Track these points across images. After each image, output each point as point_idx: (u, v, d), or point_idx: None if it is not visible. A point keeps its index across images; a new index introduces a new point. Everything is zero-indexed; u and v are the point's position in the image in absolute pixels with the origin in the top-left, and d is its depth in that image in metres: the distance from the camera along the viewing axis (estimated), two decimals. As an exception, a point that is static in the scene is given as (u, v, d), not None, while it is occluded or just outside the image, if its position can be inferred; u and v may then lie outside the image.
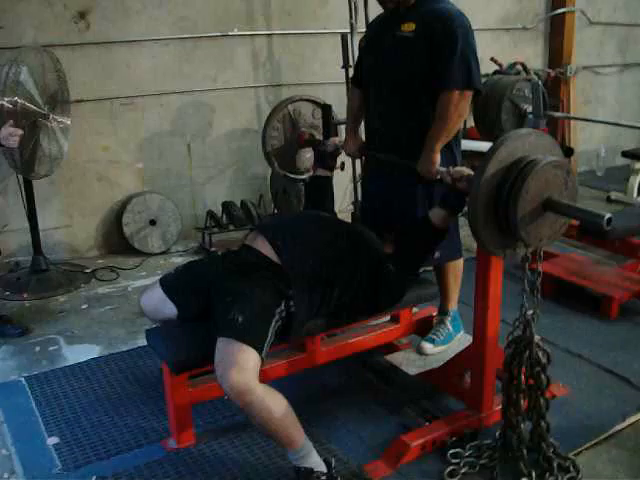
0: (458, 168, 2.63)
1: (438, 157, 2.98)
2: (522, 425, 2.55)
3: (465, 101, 2.98)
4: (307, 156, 4.32)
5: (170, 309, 2.74)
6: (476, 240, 2.41)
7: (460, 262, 3.35)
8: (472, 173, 2.49)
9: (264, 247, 2.69)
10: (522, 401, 2.53)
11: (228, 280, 2.66)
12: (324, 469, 2.44)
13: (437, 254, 3.06)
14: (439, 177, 2.78)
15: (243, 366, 2.32)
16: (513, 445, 2.55)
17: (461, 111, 2.98)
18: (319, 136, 4.19)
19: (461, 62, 2.94)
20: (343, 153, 3.46)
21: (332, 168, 3.43)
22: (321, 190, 3.39)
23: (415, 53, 2.99)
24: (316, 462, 2.44)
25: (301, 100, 4.55)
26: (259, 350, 2.40)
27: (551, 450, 2.56)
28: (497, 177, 2.27)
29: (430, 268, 3.46)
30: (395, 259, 2.79)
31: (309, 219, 2.98)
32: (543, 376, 2.49)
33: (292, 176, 4.48)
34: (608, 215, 2.15)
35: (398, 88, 3.08)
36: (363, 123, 3.42)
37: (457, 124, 3.03)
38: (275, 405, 2.35)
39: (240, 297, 2.53)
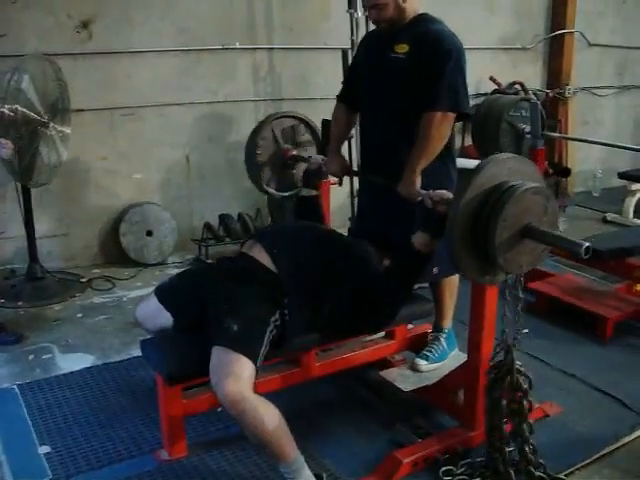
0: (439, 191, 2.57)
1: (419, 179, 2.94)
2: (506, 449, 2.51)
3: (447, 123, 2.96)
4: (292, 172, 4.31)
5: (165, 318, 2.73)
6: (454, 266, 2.38)
7: (456, 279, 3.35)
8: (451, 196, 2.45)
9: (261, 255, 2.70)
10: (504, 426, 2.50)
11: (224, 288, 2.66)
12: None
13: (435, 269, 3.06)
14: (420, 199, 2.72)
15: (238, 375, 2.33)
16: (499, 468, 2.52)
17: (442, 133, 2.96)
18: (304, 153, 4.17)
19: (448, 84, 2.93)
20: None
21: (316, 187, 3.40)
22: (309, 210, 3.36)
23: (408, 75, 2.99)
24: (307, 477, 2.43)
25: (285, 117, 4.55)
26: (254, 359, 2.40)
27: (541, 470, 2.54)
28: (475, 203, 2.23)
29: (426, 285, 3.46)
30: (386, 282, 2.77)
31: (306, 229, 2.99)
32: (525, 402, 2.46)
33: (276, 193, 4.44)
34: (586, 244, 2.13)
35: (393, 110, 3.08)
36: (359, 141, 3.41)
37: (438, 146, 2.98)
38: (268, 416, 2.34)
39: (235, 305, 2.54)
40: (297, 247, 2.76)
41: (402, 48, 3.01)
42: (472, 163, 4.20)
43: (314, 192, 3.41)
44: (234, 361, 2.36)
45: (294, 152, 4.04)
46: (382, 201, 3.20)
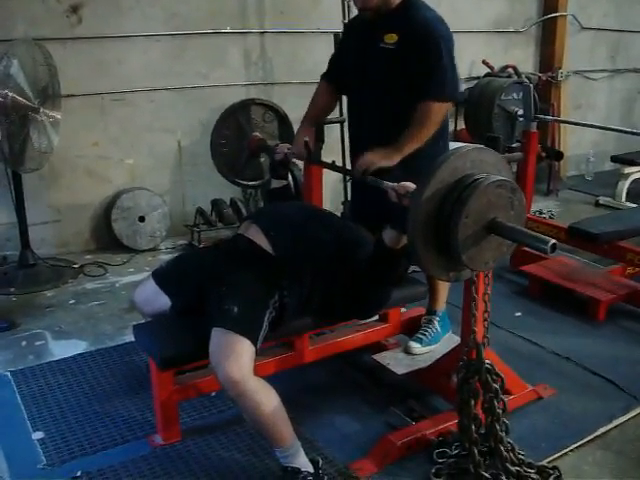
0: (403, 183, 2.46)
1: (396, 160, 2.91)
2: (475, 449, 2.45)
3: (442, 112, 3.00)
4: (260, 160, 4.23)
5: (163, 302, 2.74)
6: (417, 264, 2.33)
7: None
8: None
9: (258, 236, 2.69)
10: (473, 427, 2.45)
11: (222, 270, 2.66)
12: (311, 469, 2.44)
13: None
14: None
15: (238, 356, 2.34)
16: (471, 469, 2.47)
17: (437, 121, 2.99)
18: (271, 141, 4.09)
19: (442, 73, 2.94)
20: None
21: (284, 177, 3.32)
22: (283, 200, 3.27)
23: (398, 65, 2.98)
24: (303, 462, 2.45)
25: (253, 104, 4.47)
26: (254, 341, 2.42)
27: (523, 465, 2.49)
28: (438, 198, 2.14)
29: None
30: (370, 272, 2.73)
31: (303, 210, 2.98)
32: (496, 402, 2.42)
33: (243, 183, 4.37)
34: (552, 242, 2.07)
35: (382, 98, 3.07)
36: (347, 129, 3.38)
37: (430, 133, 2.99)
38: (267, 399, 2.36)
39: (235, 287, 2.54)
40: (293, 229, 2.76)
41: (391, 38, 2.99)
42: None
43: (284, 182, 3.33)
44: (235, 342, 2.37)
45: (260, 140, 3.95)
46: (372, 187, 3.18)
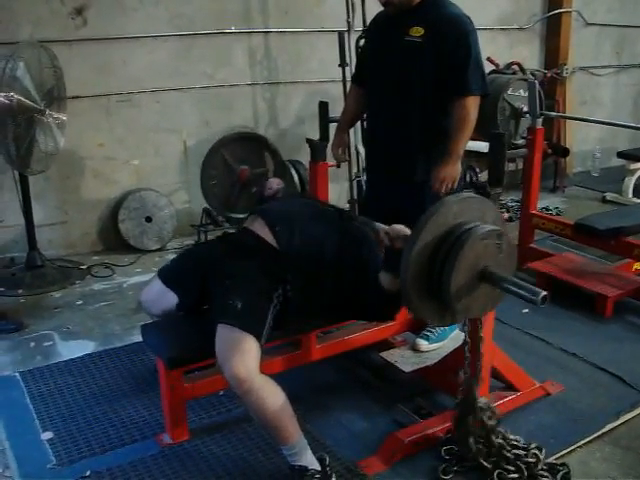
0: (395, 226, 2.48)
1: (459, 165, 3.06)
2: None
3: (476, 106, 3.08)
4: (253, 191, 4.22)
5: (169, 301, 2.75)
6: (410, 312, 2.40)
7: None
8: (408, 232, 2.35)
9: (263, 230, 2.70)
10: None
11: (226, 263, 2.67)
12: (318, 467, 2.44)
13: None
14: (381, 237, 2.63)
15: (244, 354, 2.35)
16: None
17: (475, 115, 3.08)
18: (259, 170, 4.06)
19: (476, 68, 3.04)
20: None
21: None
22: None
23: (425, 58, 3.02)
24: (310, 460, 2.45)
25: (233, 139, 4.42)
26: (259, 336, 2.42)
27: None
28: (428, 251, 2.17)
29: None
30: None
31: (308, 206, 2.98)
32: (493, 438, 2.47)
33: (239, 216, 4.33)
34: (543, 294, 2.09)
35: (407, 93, 3.10)
36: (365, 125, 3.43)
37: (472, 127, 3.09)
38: (273, 397, 2.37)
39: (239, 281, 2.55)
40: (299, 223, 2.75)
41: (417, 31, 3.03)
42: (472, 145, 4.19)
43: None
44: (239, 339, 2.38)
45: (249, 172, 3.90)
46: (392, 181, 3.22)
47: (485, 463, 2.50)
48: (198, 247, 3.26)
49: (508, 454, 2.52)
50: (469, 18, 3.07)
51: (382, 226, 2.58)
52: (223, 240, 2.94)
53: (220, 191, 4.05)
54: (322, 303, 2.71)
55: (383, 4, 3.13)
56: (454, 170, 3.05)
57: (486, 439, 2.50)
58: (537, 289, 2.13)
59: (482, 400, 2.50)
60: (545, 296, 2.09)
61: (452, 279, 2.13)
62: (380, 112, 3.27)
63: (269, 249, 2.66)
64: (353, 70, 4.85)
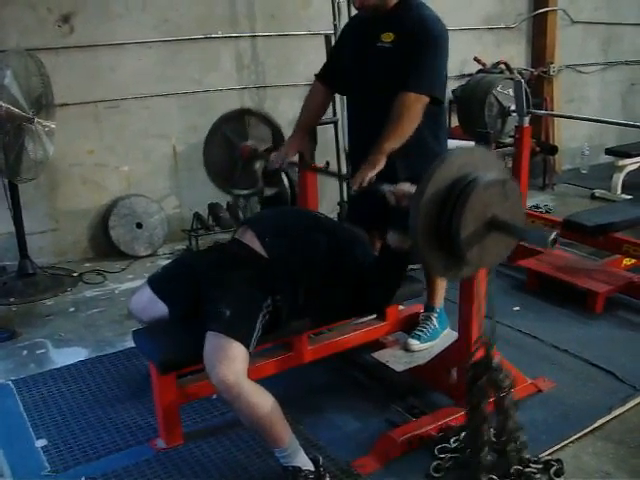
0: (401, 185, 2.51)
1: (383, 161, 2.86)
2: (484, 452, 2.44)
3: (419, 105, 2.93)
4: (255, 168, 4.22)
5: (159, 309, 2.74)
6: (420, 263, 2.39)
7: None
8: (413, 190, 2.34)
9: (253, 241, 2.72)
10: (485, 428, 2.44)
11: (217, 273, 2.68)
12: (312, 468, 2.45)
13: None
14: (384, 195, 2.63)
15: (232, 360, 2.35)
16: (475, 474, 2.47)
17: (413, 114, 2.92)
18: (262, 145, 4.07)
19: (425, 67, 2.94)
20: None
21: (277, 184, 3.33)
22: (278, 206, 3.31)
23: (394, 63, 2.98)
24: (304, 461, 2.46)
25: (235, 115, 4.42)
26: (247, 344, 2.42)
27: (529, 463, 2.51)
28: (436, 201, 2.16)
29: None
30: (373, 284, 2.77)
31: (297, 214, 3.00)
32: (507, 399, 2.43)
33: (242, 192, 4.35)
34: (552, 236, 2.10)
35: (380, 97, 3.04)
36: (347, 133, 3.37)
37: (408, 127, 2.92)
38: (262, 401, 2.37)
39: (228, 290, 2.56)
40: (288, 233, 2.77)
41: (388, 37, 3.01)
42: (460, 144, 4.21)
43: (275, 189, 3.33)
44: (227, 346, 2.38)
45: (251, 148, 3.91)
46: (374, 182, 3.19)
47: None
48: (189, 256, 3.24)
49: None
50: (439, 21, 2.99)
51: (388, 186, 2.58)
52: (214, 250, 2.96)
53: (223, 168, 4.08)
54: (318, 307, 2.74)
55: (358, 8, 3.11)
56: (370, 170, 2.83)
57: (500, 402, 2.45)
58: (546, 232, 2.14)
59: (496, 361, 2.44)
60: (555, 238, 2.09)
61: (461, 228, 2.12)
62: (358, 115, 3.26)
63: (259, 259, 2.67)
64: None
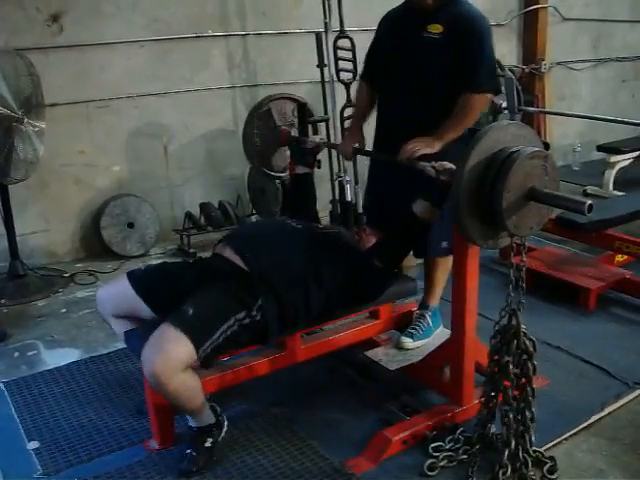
0: (442, 162, 2.63)
1: (438, 147, 2.96)
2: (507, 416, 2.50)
3: (484, 103, 3.14)
4: (287, 154, 4.27)
5: (130, 302, 2.74)
6: (459, 230, 2.46)
7: (451, 259, 3.33)
8: (454, 167, 2.51)
9: (233, 257, 2.71)
10: (511, 391, 2.50)
11: (196, 285, 2.65)
12: (213, 420, 2.63)
13: (444, 244, 3.13)
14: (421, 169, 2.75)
15: (170, 355, 2.34)
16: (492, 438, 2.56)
17: (477, 112, 3.10)
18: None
19: (487, 67, 3.06)
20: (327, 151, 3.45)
21: (312, 165, 3.41)
22: (303, 188, 3.40)
23: (442, 55, 3.04)
24: (207, 417, 2.62)
25: (282, 98, 4.51)
26: (197, 346, 2.40)
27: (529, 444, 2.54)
28: (479, 170, 2.33)
29: (420, 261, 3.49)
30: (377, 251, 2.80)
31: (278, 228, 2.98)
32: (530, 364, 2.49)
33: (272, 174, 4.43)
34: (589, 202, 2.22)
35: (425, 88, 3.11)
36: (376, 120, 3.41)
37: (470, 124, 3.08)
38: (188, 397, 2.46)
39: (200, 295, 2.56)
40: (268, 247, 2.76)
41: (436, 28, 3.05)
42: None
43: (308, 170, 3.40)
44: (173, 339, 2.37)
45: (291, 133, 3.95)
46: (397, 177, 3.19)
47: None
48: (173, 265, 3.16)
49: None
50: (485, 18, 3.09)
51: (426, 164, 2.70)
52: (196, 264, 2.94)
53: (260, 143, 4.14)
54: (313, 313, 2.72)
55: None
56: (424, 146, 2.91)
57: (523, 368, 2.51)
58: (581, 199, 2.27)
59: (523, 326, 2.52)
60: (591, 204, 2.22)
61: (504, 192, 2.27)
62: (395, 108, 3.25)
63: (241, 273, 2.66)
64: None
